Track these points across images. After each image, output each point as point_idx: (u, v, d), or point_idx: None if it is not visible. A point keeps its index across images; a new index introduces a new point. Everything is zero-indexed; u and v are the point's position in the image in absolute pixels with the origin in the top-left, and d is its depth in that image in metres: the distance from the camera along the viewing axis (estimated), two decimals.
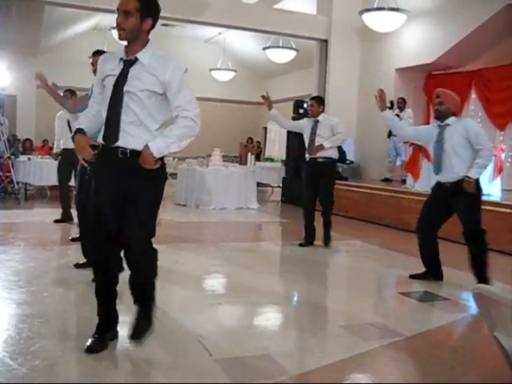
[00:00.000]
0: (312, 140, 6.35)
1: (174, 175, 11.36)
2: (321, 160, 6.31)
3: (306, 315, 4.10)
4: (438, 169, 4.76)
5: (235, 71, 17.18)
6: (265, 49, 14.19)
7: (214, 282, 5.05)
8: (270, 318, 4.06)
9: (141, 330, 2.89)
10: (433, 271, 4.96)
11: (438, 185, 4.83)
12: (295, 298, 4.56)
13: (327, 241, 6.49)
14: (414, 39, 11.05)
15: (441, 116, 4.75)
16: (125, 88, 2.79)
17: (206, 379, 2.71)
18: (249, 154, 12.43)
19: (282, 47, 13.97)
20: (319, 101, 6.57)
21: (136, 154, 2.78)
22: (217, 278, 5.17)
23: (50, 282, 4.44)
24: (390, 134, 10.47)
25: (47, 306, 3.76)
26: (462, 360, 3.22)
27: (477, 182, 4.62)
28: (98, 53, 4.56)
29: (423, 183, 8.27)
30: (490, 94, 10.36)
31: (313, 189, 6.37)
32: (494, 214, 6.61)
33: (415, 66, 10.96)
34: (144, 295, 2.96)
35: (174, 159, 15.69)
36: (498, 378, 2.93)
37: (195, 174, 10.10)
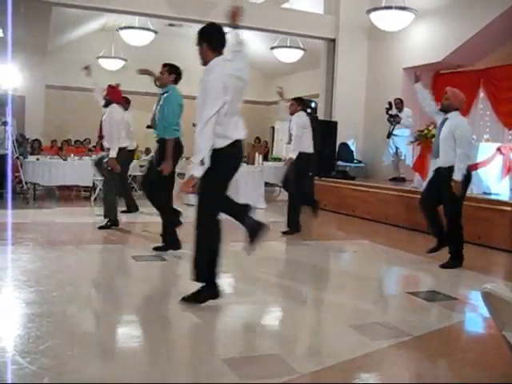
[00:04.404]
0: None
1: (182, 175, 11.35)
2: None
3: (314, 315, 4.10)
4: None
5: None
6: (272, 48, 14.19)
7: (223, 281, 5.03)
8: (278, 317, 4.07)
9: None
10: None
11: None
12: (303, 298, 4.55)
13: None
14: (421, 38, 11.01)
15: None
16: None
17: (214, 378, 2.72)
18: (256, 153, 12.39)
19: (290, 47, 13.97)
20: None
21: None
22: (225, 278, 5.15)
23: (59, 281, 4.45)
24: (389, 135, 10.47)
25: (56, 305, 3.78)
26: (471, 360, 3.20)
27: None
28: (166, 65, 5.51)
29: None
30: (499, 93, 10.30)
31: None
32: (503, 212, 6.58)
33: (423, 64, 10.87)
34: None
35: (182, 159, 15.70)
36: (507, 378, 2.91)
37: None
